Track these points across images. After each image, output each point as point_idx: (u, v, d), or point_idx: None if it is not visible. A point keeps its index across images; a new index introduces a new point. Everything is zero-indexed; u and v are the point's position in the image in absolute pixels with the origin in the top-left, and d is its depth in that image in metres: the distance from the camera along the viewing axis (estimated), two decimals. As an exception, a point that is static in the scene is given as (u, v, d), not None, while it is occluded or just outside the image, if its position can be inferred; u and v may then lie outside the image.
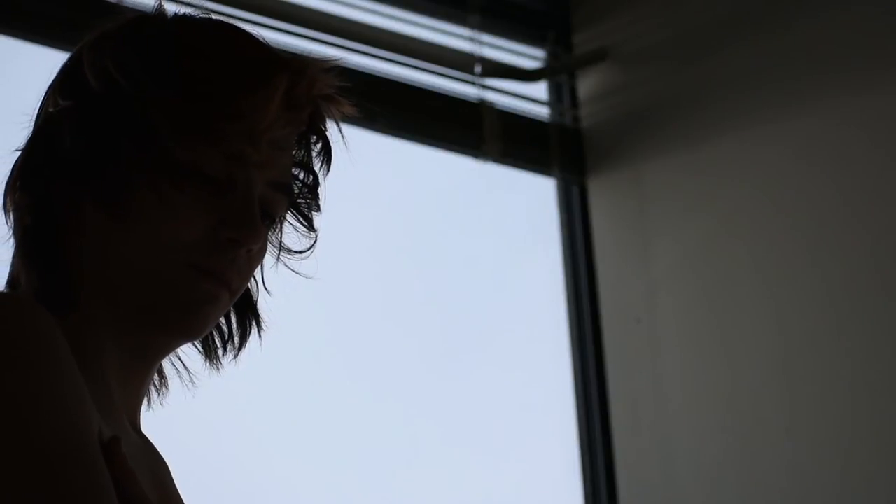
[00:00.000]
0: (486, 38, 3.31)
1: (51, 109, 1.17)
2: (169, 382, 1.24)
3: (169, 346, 1.18)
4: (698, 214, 3.18)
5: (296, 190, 1.21)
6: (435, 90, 3.19)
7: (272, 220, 1.20)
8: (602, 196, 3.35)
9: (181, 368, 1.24)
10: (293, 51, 1.22)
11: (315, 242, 1.24)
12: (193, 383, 1.23)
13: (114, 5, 2.65)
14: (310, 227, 1.24)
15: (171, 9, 1.20)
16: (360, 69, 3.00)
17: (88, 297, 1.13)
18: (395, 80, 3.13)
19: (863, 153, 2.98)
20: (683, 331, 3.16)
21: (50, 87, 1.19)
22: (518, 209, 3.41)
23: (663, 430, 3.14)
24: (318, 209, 1.24)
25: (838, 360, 2.93)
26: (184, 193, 1.12)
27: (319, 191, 1.23)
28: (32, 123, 1.19)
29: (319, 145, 1.22)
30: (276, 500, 2.73)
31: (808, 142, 3.05)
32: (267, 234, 1.19)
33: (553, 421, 3.28)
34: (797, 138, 3.07)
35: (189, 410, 1.23)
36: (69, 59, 1.19)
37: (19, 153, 1.17)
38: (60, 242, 1.14)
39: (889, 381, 2.87)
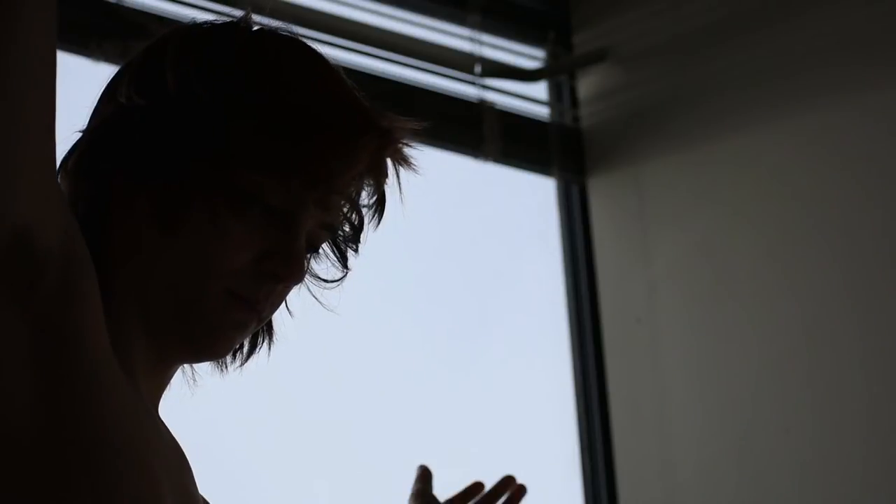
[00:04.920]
0: (486, 38, 3.32)
1: (122, 100, 1.14)
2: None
3: (192, 360, 1.18)
4: (698, 214, 3.18)
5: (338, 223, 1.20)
6: (435, 90, 3.19)
7: (315, 251, 1.20)
8: (602, 196, 3.35)
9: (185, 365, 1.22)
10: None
11: (345, 276, 1.23)
12: (195, 381, 1.23)
13: (114, 6, 2.66)
14: (344, 263, 1.23)
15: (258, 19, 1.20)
16: (361, 69, 3.00)
17: (122, 294, 1.12)
18: (396, 80, 3.13)
19: (863, 151, 2.98)
20: (683, 331, 3.16)
21: (125, 70, 1.16)
22: (518, 209, 3.41)
23: (663, 430, 3.14)
24: (356, 250, 1.23)
25: (839, 359, 2.93)
26: (239, 220, 1.11)
27: (361, 235, 1.22)
28: (98, 102, 1.17)
29: (375, 198, 1.20)
30: (276, 493, 2.73)
31: (808, 141, 3.06)
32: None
33: (553, 421, 3.28)
34: (797, 137, 3.07)
35: (184, 403, 1.23)
36: (152, 47, 1.16)
37: (82, 134, 1.15)
38: (106, 237, 1.13)
39: (890, 380, 2.87)
